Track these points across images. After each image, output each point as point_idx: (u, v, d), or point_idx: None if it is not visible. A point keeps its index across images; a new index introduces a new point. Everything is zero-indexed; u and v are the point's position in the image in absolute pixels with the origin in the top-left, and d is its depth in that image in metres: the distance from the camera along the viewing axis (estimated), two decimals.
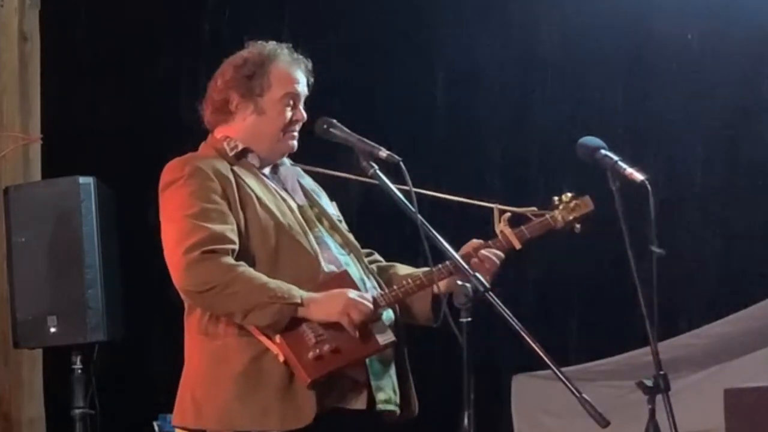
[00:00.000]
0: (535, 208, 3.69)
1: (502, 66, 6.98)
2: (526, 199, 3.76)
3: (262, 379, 3.47)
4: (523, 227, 3.67)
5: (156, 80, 6.95)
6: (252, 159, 3.69)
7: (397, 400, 3.61)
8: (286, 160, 3.80)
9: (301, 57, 3.74)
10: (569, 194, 3.69)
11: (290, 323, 3.46)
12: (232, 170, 3.62)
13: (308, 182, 3.83)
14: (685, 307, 6.56)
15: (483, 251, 3.63)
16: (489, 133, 7.07)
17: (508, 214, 3.66)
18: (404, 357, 3.69)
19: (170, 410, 5.41)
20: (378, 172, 3.60)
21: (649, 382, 3.37)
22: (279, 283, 3.47)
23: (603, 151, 3.59)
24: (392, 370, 3.61)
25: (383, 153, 3.56)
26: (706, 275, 6.69)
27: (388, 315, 3.62)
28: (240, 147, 3.67)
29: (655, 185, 3.46)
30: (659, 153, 6.69)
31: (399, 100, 6.79)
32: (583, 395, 3.20)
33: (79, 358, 5.45)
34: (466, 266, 3.41)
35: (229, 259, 3.47)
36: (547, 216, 3.67)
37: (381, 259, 3.89)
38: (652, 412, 3.37)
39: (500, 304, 3.37)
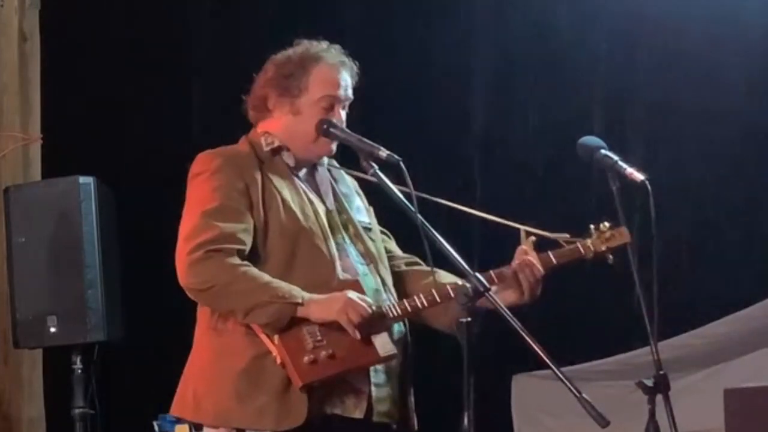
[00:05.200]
0: (567, 235, 3.59)
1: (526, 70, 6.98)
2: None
3: (262, 379, 3.48)
4: (550, 253, 3.59)
5: (156, 80, 6.95)
6: (287, 158, 3.68)
7: (396, 414, 3.61)
8: (325, 161, 3.77)
9: (348, 59, 3.70)
10: (607, 224, 3.58)
11: (291, 326, 3.46)
12: (261, 169, 3.62)
13: (345, 186, 3.79)
14: (685, 307, 6.55)
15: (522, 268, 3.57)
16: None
17: (533, 237, 3.58)
18: (409, 371, 3.68)
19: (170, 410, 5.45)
20: (378, 171, 3.61)
21: (649, 382, 3.37)
22: (281, 284, 3.47)
23: (603, 151, 3.59)
24: (396, 383, 3.61)
25: (383, 153, 3.56)
26: (705, 275, 6.68)
27: (398, 328, 3.62)
28: (276, 144, 3.66)
29: (655, 185, 3.46)
30: (659, 152, 6.69)
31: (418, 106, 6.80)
32: (583, 395, 3.20)
33: (79, 358, 5.45)
34: (466, 266, 3.41)
35: (234, 259, 3.48)
36: (578, 244, 3.59)
37: (423, 264, 3.82)
38: (652, 412, 3.37)
39: (500, 304, 3.37)
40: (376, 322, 3.49)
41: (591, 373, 6.53)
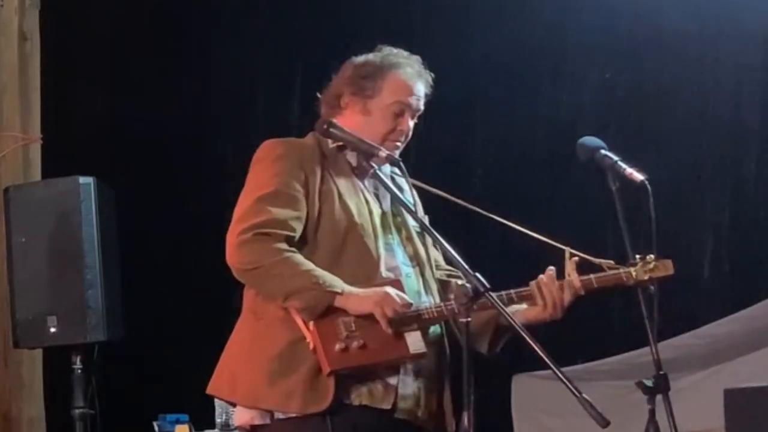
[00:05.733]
0: (612, 261, 3.59)
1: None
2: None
3: (294, 363, 3.53)
4: (592, 276, 3.61)
5: (156, 80, 6.95)
6: (350, 157, 3.73)
7: (421, 413, 3.63)
8: (388, 167, 3.78)
9: (425, 72, 3.76)
10: (652, 256, 3.57)
11: (328, 315, 3.51)
12: (323, 163, 3.67)
13: (403, 192, 3.80)
14: (685, 307, 6.55)
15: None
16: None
17: (577, 258, 3.59)
18: (444, 373, 3.69)
19: (170, 410, 5.46)
20: (378, 172, 3.67)
21: (649, 382, 3.37)
22: (323, 272, 3.53)
23: (603, 151, 3.60)
24: (425, 383, 3.64)
25: (383, 153, 3.61)
26: (706, 275, 6.68)
27: (435, 330, 3.65)
28: (340, 142, 3.71)
29: (655, 185, 3.46)
30: (659, 152, 6.69)
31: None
32: (583, 395, 3.20)
33: (79, 358, 5.45)
34: (466, 267, 3.42)
35: (281, 244, 3.54)
36: (621, 271, 3.59)
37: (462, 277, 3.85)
38: (652, 412, 3.37)
39: (501, 304, 3.38)
40: (410, 320, 3.53)
41: (591, 373, 6.53)
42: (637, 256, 3.57)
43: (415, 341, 3.53)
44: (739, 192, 6.73)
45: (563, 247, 3.61)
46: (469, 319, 3.31)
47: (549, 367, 3.23)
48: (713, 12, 6.60)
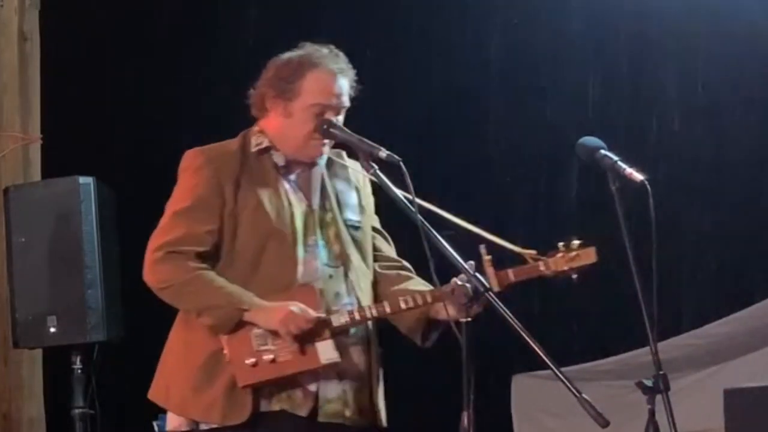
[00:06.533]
0: (534, 251, 3.57)
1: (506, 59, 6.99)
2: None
3: (215, 374, 3.59)
4: (509, 270, 3.57)
5: (156, 80, 6.95)
6: (277, 158, 3.73)
7: (350, 414, 3.65)
8: (323, 159, 3.77)
9: (347, 66, 3.73)
10: (576, 242, 3.56)
11: (241, 328, 3.57)
12: (245, 168, 3.68)
13: (342, 183, 3.80)
14: (685, 307, 6.55)
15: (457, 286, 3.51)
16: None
17: (490, 256, 3.52)
18: (373, 370, 3.71)
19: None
20: (378, 172, 3.66)
21: (649, 382, 3.37)
22: (232, 289, 3.58)
23: (603, 151, 3.59)
24: (351, 384, 3.65)
25: (383, 153, 3.59)
26: (706, 275, 6.68)
27: (356, 331, 3.67)
28: (264, 144, 3.72)
29: (655, 185, 3.46)
30: (660, 152, 6.69)
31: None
32: (583, 395, 3.20)
33: (79, 358, 5.45)
34: (466, 266, 3.42)
35: (193, 262, 3.60)
36: (541, 262, 3.57)
37: (410, 269, 3.84)
38: (652, 412, 3.37)
39: (500, 304, 3.37)
40: (319, 330, 3.56)
41: (591, 373, 6.53)
42: (560, 244, 3.57)
43: (326, 350, 3.56)
44: (739, 190, 6.73)
45: (489, 236, 3.57)
46: (470, 318, 3.31)
47: (549, 367, 3.23)
48: (715, 10, 6.60)
